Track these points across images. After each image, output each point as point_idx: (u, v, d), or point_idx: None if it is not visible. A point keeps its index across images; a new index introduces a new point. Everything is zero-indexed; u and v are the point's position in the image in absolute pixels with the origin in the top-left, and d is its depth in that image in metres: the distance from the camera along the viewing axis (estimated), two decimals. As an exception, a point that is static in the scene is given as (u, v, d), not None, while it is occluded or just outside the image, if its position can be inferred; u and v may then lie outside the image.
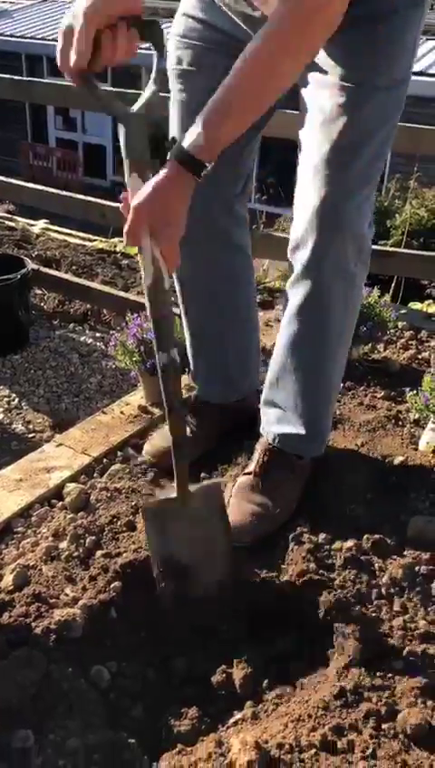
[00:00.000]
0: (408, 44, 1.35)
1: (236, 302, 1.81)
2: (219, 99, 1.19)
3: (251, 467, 1.65)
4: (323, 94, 1.39)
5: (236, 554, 1.46)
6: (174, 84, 1.57)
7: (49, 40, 13.72)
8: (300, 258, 1.48)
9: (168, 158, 1.19)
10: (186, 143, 1.19)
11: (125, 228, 1.21)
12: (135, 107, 1.21)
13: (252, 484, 1.62)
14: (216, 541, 1.44)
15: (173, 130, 1.58)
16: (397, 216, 5.66)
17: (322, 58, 1.36)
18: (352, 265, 1.46)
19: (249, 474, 1.64)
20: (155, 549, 1.40)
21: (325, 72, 1.38)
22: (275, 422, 1.64)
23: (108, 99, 1.21)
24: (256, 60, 1.17)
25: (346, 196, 1.41)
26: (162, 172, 1.19)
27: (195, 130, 1.19)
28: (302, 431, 1.61)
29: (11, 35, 14.69)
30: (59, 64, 1.18)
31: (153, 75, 1.24)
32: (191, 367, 1.89)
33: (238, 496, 1.60)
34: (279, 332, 1.62)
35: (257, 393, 2.02)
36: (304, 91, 1.45)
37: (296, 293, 1.52)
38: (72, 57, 1.14)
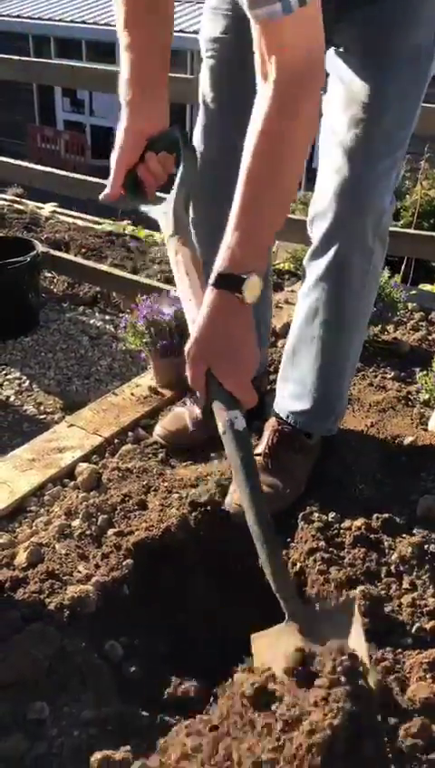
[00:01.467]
0: (423, 17, 1.35)
1: None
2: (235, 216, 1.12)
3: (260, 448, 1.66)
4: (341, 67, 1.40)
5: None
6: (205, 51, 1.59)
7: (56, 20, 13.62)
8: (319, 229, 1.48)
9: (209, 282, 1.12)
10: (223, 268, 1.11)
11: (187, 374, 1.11)
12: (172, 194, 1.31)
13: (261, 464, 1.63)
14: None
15: (202, 94, 1.61)
16: (407, 196, 5.62)
17: (338, 35, 1.37)
18: (369, 239, 1.45)
19: (259, 455, 1.65)
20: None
21: (343, 47, 1.39)
22: (289, 398, 1.65)
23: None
24: (259, 181, 1.11)
25: (367, 168, 1.40)
26: (204, 304, 1.11)
27: (222, 253, 1.12)
28: (315, 408, 1.62)
29: (18, 16, 14.58)
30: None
31: (184, 163, 1.32)
32: None
33: None
34: (297, 306, 1.63)
35: (266, 376, 2.03)
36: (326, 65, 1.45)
37: (314, 265, 1.53)
38: (106, 192, 1.33)
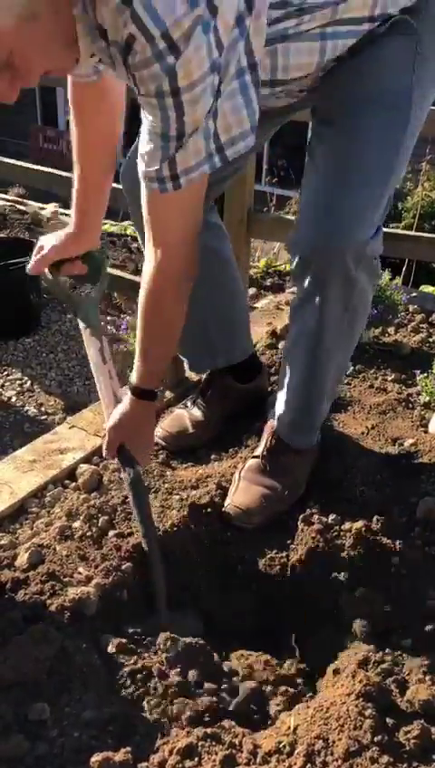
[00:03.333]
0: (391, 61, 1.35)
1: (212, 273, 1.75)
2: (138, 344, 1.45)
3: (259, 450, 1.67)
4: (320, 112, 1.47)
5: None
6: None
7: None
8: (295, 257, 1.45)
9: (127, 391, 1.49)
10: (134, 380, 1.46)
11: (103, 444, 1.52)
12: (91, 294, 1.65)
13: (260, 466, 1.64)
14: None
15: None
16: (408, 198, 5.62)
17: (319, 92, 1.42)
18: (352, 270, 1.40)
19: (257, 456, 1.66)
20: None
21: (322, 99, 1.44)
22: (278, 408, 1.64)
23: (67, 293, 1.72)
24: (143, 322, 1.41)
25: (339, 205, 1.37)
26: (126, 403, 1.48)
27: (136, 367, 1.46)
28: (297, 422, 1.62)
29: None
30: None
31: (101, 285, 1.66)
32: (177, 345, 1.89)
33: (247, 479, 1.62)
34: (290, 320, 1.62)
35: (267, 376, 2.04)
36: (312, 114, 1.52)
37: (297, 290, 1.52)
38: (31, 265, 1.61)
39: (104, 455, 1.53)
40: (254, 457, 1.67)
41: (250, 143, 1.25)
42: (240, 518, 1.56)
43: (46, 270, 1.62)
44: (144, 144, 1.21)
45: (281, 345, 2.35)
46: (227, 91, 1.17)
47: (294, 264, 1.46)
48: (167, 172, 1.20)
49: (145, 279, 1.37)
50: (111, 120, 1.54)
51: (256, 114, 1.24)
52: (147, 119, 1.17)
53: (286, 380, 1.61)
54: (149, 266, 1.36)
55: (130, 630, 1.32)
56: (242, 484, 1.61)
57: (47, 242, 1.60)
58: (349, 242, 1.37)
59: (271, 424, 1.67)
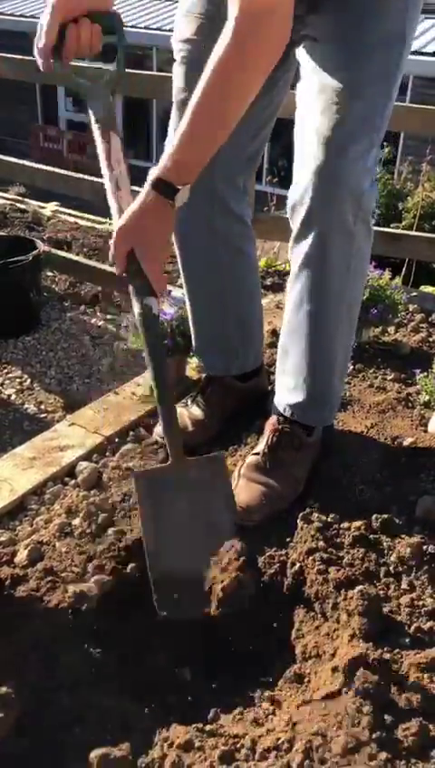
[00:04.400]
0: (393, 6, 1.37)
1: (235, 271, 1.79)
2: (185, 122, 1.25)
3: (259, 447, 1.67)
4: (314, 57, 1.44)
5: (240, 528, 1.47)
6: (177, 53, 1.59)
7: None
8: (298, 215, 1.48)
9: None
10: (161, 173, 1.26)
11: (111, 252, 1.31)
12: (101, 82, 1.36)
13: (260, 463, 1.63)
14: (216, 509, 1.41)
15: (175, 93, 1.61)
16: (409, 198, 5.62)
17: (311, 27, 1.39)
18: (350, 221, 1.44)
19: (257, 454, 1.66)
20: (148, 526, 1.35)
21: (316, 38, 1.42)
22: (285, 391, 1.65)
23: (78, 73, 1.37)
24: (216, 79, 1.21)
25: (340, 152, 1.40)
26: (140, 197, 1.28)
27: (165, 155, 1.26)
28: (309, 398, 1.62)
29: (20, 15, 14.59)
30: (35, 52, 1.33)
31: (118, 56, 1.36)
32: (193, 341, 1.90)
33: (247, 476, 1.62)
34: (286, 294, 1.63)
35: (266, 375, 2.04)
36: (299, 58, 1.49)
37: (297, 253, 1.52)
38: (40, 44, 1.31)
39: (115, 268, 1.34)
40: (254, 455, 1.67)
41: None
42: (240, 516, 1.56)
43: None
44: None
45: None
46: None
47: (300, 220, 1.46)
48: None
49: (221, 42, 1.20)
50: None
51: None
52: None
53: (290, 354, 1.61)
54: (228, 28, 1.19)
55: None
56: (242, 481, 1.61)
57: (44, 16, 1.32)
58: (348, 191, 1.40)
59: (272, 421, 1.68)
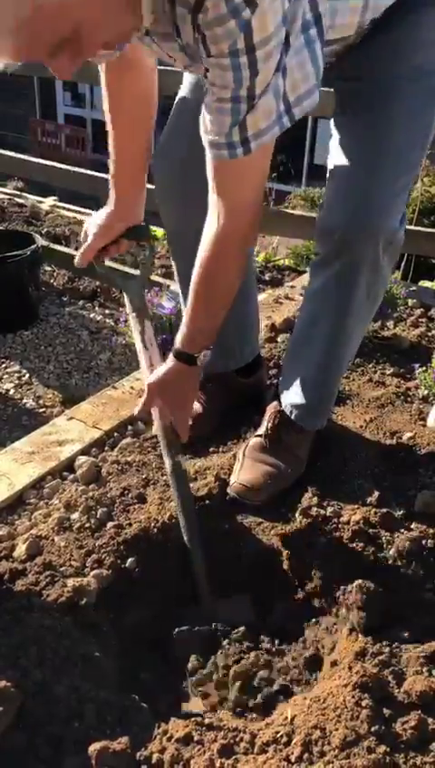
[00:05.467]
0: (426, 41, 1.36)
1: None
2: (189, 307, 1.44)
3: (261, 430, 1.70)
4: (351, 92, 1.44)
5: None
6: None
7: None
8: (327, 243, 1.47)
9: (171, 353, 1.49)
10: (179, 344, 1.47)
11: (140, 402, 1.51)
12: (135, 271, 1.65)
13: (263, 445, 1.67)
14: None
15: (180, 95, 1.63)
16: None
17: (348, 64, 1.40)
18: (380, 255, 1.45)
19: (259, 436, 1.69)
20: None
21: (352, 74, 1.41)
22: (290, 391, 1.68)
23: (113, 275, 1.70)
24: (201, 283, 1.40)
25: (381, 189, 1.40)
26: (168, 363, 1.48)
27: (182, 331, 1.46)
28: (310, 405, 1.65)
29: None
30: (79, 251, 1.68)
31: (145, 262, 1.64)
32: None
33: (251, 456, 1.65)
34: (302, 305, 1.66)
35: (265, 371, 2.04)
36: (338, 91, 1.49)
37: (321, 273, 1.53)
38: (82, 247, 1.65)
39: (137, 413, 1.52)
40: (257, 436, 1.70)
41: (316, 100, 1.20)
42: (246, 495, 1.58)
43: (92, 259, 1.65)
44: (208, 113, 1.18)
45: (280, 339, 2.35)
46: (294, 46, 1.13)
47: (329, 248, 1.47)
48: (237, 137, 1.17)
49: (207, 243, 1.36)
50: (148, 98, 1.54)
51: (320, 70, 1.20)
52: (213, 85, 1.13)
53: (300, 363, 1.64)
54: (212, 230, 1.34)
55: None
56: (247, 462, 1.64)
57: (90, 228, 1.61)
58: (383, 228, 1.41)
59: (274, 405, 1.70)
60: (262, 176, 1.30)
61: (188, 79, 1.60)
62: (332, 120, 1.50)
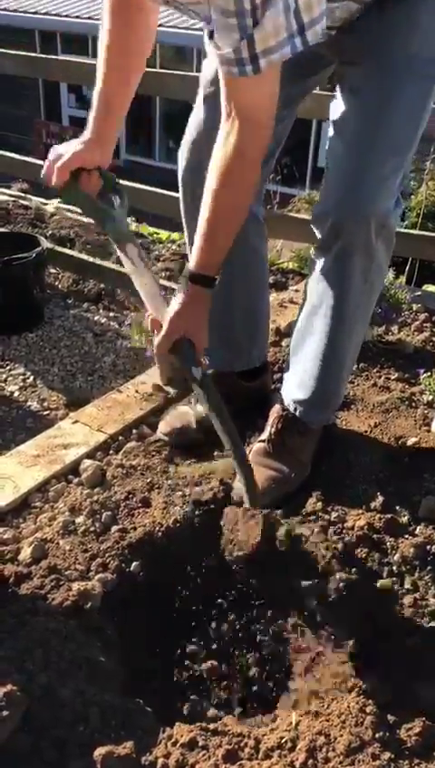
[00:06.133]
0: (426, 23, 1.37)
1: (244, 266, 1.81)
2: (202, 224, 1.39)
3: (265, 434, 1.71)
4: (348, 77, 1.46)
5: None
6: (203, 90, 1.63)
7: (63, 16, 13.61)
8: (323, 227, 1.51)
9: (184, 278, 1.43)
10: (192, 266, 1.41)
11: (158, 338, 1.41)
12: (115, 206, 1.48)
13: (267, 450, 1.68)
14: None
15: (202, 79, 1.64)
16: (412, 197, 5.61)
17: (345, 48, 1.41)
18: (373, 239, 1.47)
19: (263, 441, 1.70)
20: None
21: (349, 59, 1.43)
22: (293, 387, 1.69)
23: (94, 201, 1.48)
24: (214, 199, 1.36)
25: (372, 170, 1.43)
26: (183, 294, 1.40)
27: (195, 252, 1.41)
28: (314, 398, 1.66)
29: (25, 11, 14.56)
30: (45, 167, 1.47)
31: (119, 203, 1.49)
32: None
33: (255, 461, 1.65)
34: (303, 298, 1.67)
35: (270, 375, 2.04)
36: (336, 76, 1.51)
37: (319, 261, 1.56)
38: (56, 175, 1.45)
39: (156, 351, 1.44)
40: (260, 441, 1.71)
41: (323, 26, 1.19)
42: (248, 502, 1.58)
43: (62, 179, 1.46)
44: (216, 30, 1.16)
45: (285, 343, 2.35)
46: None
47: (324, 234, 1.49)
48: (245, 53, 1.15)
49: (220, 156, 1.33)
50: (145, 52, 1.52)
51: None
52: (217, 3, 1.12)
53: (302, 356, 1.65)
54: (226, 144, 1.32)
55: None
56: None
57: (66, 149, 1.49)
58: (374, 211, 1.43)
59: (277, 408, 1.71)
60: (271, 99, 1.28)
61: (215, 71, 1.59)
62: (330, 107, 1.51)
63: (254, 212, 1.74)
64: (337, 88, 1.50)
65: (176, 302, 1.41)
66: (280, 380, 1.86)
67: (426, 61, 1.40)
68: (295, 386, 1.68)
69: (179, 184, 1.76)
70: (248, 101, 1.27)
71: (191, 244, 1.64)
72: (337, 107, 1.49)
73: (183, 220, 1.81)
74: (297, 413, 1.68)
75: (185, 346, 1.40)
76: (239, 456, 1.43)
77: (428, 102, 1.45)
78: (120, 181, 1.57)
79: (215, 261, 1.41)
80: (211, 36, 1.19)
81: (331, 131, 1.51)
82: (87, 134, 1.49)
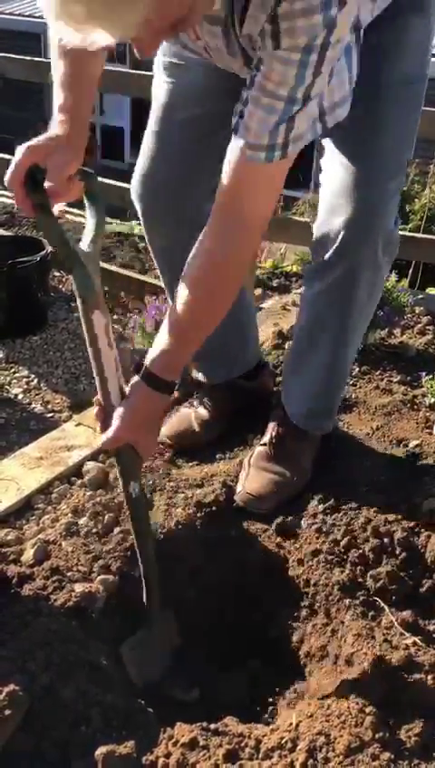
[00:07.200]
0: (412, 45, 1.39)
1: None
2: (171, 329, 1.26)
3: (266, 438, 1.71)
4: None
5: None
6: (161, 75, 1.55)
7: (68, 20, 13.62)
8: (326, 249, 1.49)
9: (135, 380, 1.27)
10: (152, 366, 1.25)
11: (102, 440, 1.27)
12: (84, 245, 1.24)
13: (268, 453, 1.68)
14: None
15: (157, 108, 1.57)
16: (416, 200, 5.61)
17: None
18: (380, 256, 1.49)
19: (264, 445, 1.70)
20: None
21: None
22: (293, 397, 1.70)
23: (64, 236, 1.21)
24: (191, 308, 1.24)
25: (376, 191, 1.44)
26: (137, 395, 1.26)
27: (157, 353, 1.25)
28: (316, 409, 1.68)
29: (29, 15, 14.63)
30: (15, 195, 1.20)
31: (92, 225, 1.28)
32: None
33: (257, 465, 1.66)
34: (303, 310, 1.67)
35: (272, 377, 2.05)
36: None
37: (323, 278, 1.54)
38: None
39: (103, 447, 1.33)
40: (262, 445, 1.71)
41: (347, 110, 1.17)
42: (252, 504, 1.60)
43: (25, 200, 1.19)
44: (254, 109, 1.09)
45: (287, 346, 2.35)
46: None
47: (328, 253, 1.48)
48: (281, 138, 1.10)
49: (209, 258, 1.24)
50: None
51: (354, 79, 1.16)
52: (267, 80, 1.06)
53: (305, 368, 1.66)
54: (212, 251, 1.23)
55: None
56: (252, 471, 1.65)
57: (32, 151, 1.21)
58: (382, 229, 1.44)
59: (277, 413, 1.72)
60: (279, 189, 1.25)
61: (170, 97, 1.55)
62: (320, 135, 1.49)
63: None
64: None
65: (127, 405, 1.25)
66: (281, 383, 1.87)
67: (416, 77, 1.42)
68: (298, 398, 1.69)
69: (144, 229, 1.71)
70: (258, 192, 1.20)
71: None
72: (331, 131, 1.43)
73: (156, 261, 1.80)
74: (300, 425, 1.69)
75: (125, 458, 1.26)
76: (150, 572, 1.33)
77: (417, 116, 1.47)
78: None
79: (180, 366, 1.30)
80: (241, 115, 1.10)
81: (326, 156, 1.50)
82: (55, 130, 1.27)
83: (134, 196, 1.67)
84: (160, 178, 1.60)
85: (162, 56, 1.54)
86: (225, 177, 1.20)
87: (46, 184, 1.17)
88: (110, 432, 1.25)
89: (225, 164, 1.19)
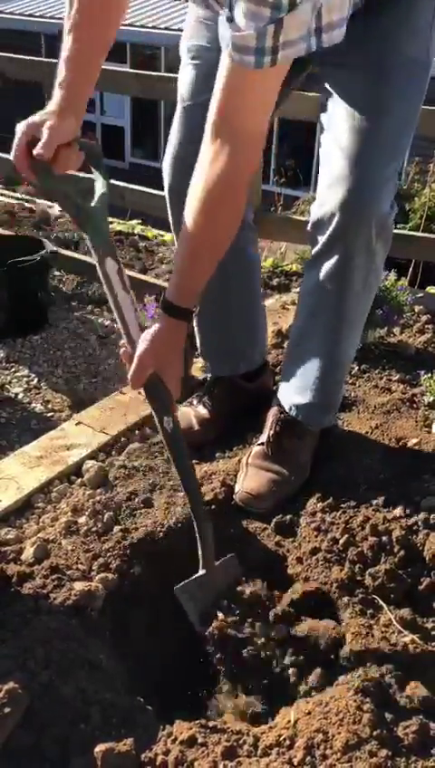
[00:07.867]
0: (417, 27, 1.39)
1: (239, 275, 1.81)
2: (181, 252, 1.33)
3: (263, 437, 1.71)
4: (342, 81, 1.46)
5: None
6: (187, 57, 1.62)
7: (68, 20, 13.63)
8: (322, 234, 1.51)
9: (157, 308, 1.34)
10: (169, 295, 1.33)
11: (130, 374, 1.32)
12: (94, 203, 1.31)
13: (266, 452, 1.68)
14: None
15: (182, 94, 1.64)
16: (416, 199, 5.61)
17: (338, 52, 1.39)
18: (374, 241, 1.48)
19: (262, 444, 1.70)
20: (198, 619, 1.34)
21: (342, 62, 1.42)
22: (292, 392, 1.69)
23: (74, 196, 1.30)
24: (195, 230, 1.28)
25: (372, 174, 1.44)
26: (157, 324, 1.33)
27: (172, 284, 1.34)
28: (316, 402, 1.67)
29: (30, 15, 14.63)
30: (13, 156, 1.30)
31: (99, 187, 1.33)
32: (198, 342, 1.92)
33: (254, 464, 1.67)
34: (299, 303, 1.67)
35: (271, 376, 2.06)
36: (324, 78, 1.50)
37: (318, 267, 1.55)
38: (41, 148, 1.26)
39: (131, 385, 1.34)
40: (259, 444, 1.71)
41: (342, 33, 1.16)
42: (251, 503, 1.60)
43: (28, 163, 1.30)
44: (241, 15, 1.08)
45: (286, 345, 2.36)
46: None
47: (326, 237, 1.49)
48: (270, 41, 1.09)
49: (203, 183, 1.26)
50: (118, 21, 1.43)
51: (351, 5, 1.17)
52: None
53: (302, 357, 1.65)
54: (212, 168, 1.25)
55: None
56: (250, 470, 1.66)
57: (34, 126, 1.29)
58: (376, 213, 1.44)
59: (274, 411, 1.72)
60: (270, 103, 1.23)
61: (194, 78, 1.60)
62: (325, 111, 1.51)
63: (245, 218, 1.74)
64: (327, 89, 1.49)
65: (148, 333, 1.32)
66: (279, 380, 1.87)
67: (418, 62, 1.42)
68: (296, 390, 1.68)
69: (167, 204, 1.75)
70: (247, 107, 1.21)
71: None
72: (330, 110, 1.48)
73: (174, 236, 1.80)
74: (299, 417, 1.68)
75: (158, 391, 1.32)
76: (198, 512, 1.36)
77: (420, 102, 1.47)
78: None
79: (193, 292, 1.35)
80: (231, 19, 1.11)
81: (325, 135, 1.50)
82: (56, 104, 1.33)
83: (165, 174, 1.72)
84: (191, 162, 1.60)
85: (186, 41, 1.61)
86: (215, 90, 1.21)
87: (41, 149, 1.26)
88: (135, 360, 1.31)
89: (216, 80, 1.21)
